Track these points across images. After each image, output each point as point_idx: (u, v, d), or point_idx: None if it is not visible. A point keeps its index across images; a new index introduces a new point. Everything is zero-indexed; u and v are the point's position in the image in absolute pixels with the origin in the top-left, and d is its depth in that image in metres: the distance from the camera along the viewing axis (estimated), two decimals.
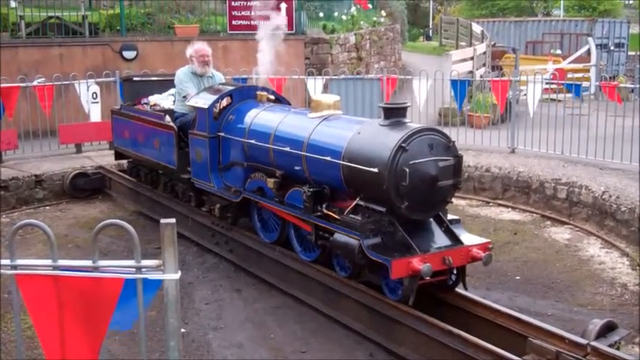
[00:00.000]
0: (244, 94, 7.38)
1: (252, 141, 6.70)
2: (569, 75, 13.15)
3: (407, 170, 5.13)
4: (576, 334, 4.83)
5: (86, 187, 9.97)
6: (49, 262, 2.43)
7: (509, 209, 9.36)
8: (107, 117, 11.21)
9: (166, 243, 2.28)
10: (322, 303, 5.97)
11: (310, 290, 6.13)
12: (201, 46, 8.03)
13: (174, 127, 7.71)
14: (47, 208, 9.56)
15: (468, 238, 5.55)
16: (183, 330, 5.46)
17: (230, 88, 7.53)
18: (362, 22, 18.10)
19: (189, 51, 8.00)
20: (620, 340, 4.74)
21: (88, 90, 10.98)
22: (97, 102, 11.12)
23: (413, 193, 5.23)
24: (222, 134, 7.11)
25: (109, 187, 9.99)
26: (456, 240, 5.48)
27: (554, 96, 12.17)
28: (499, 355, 4.50)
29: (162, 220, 2.32)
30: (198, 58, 7.91)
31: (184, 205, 8.04)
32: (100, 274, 2.41)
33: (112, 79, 11.39)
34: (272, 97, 7.47)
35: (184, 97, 7.76)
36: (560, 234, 8.32)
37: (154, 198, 8.69)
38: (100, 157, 10.77)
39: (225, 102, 7.30)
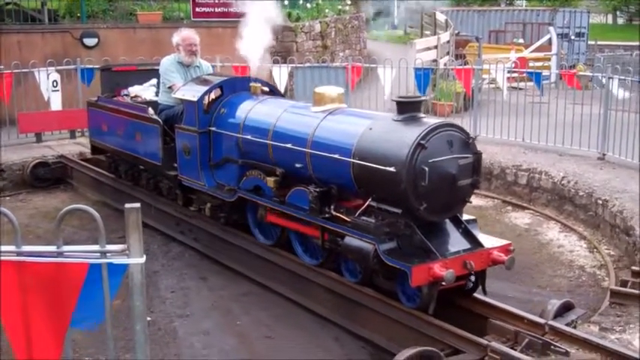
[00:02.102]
0: (236, 86, 6.95)
1: (249, 137, 6.27)
2: (531, 64, 13.36)
3: (426, 169, 4.80)
4: (535, 314, 4.96)
5: (47, 176, 9.83)
6: (12, 247, 2.43)
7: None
8: (68, 105, 11.11)
9: (131, 227, 2.30)
10: (288, 289, 6.02)
11: (276, 277, 6.17)
12: (188, 34, 7.59)
13: (159, 120, 7.31)
14: (7, 198, 9.41)
15: (487, 240, 5.25)
16: (149, 318, 5.42)
17: (220, 79, 7.11)
18: (327, 10, 18.10)
19: (176, 39, 7.58)
20: (577, 319, 4.88)
21: (48, 78, 10.81)
22: (58, 90, 10.96)
23: (432, 193, 4.90)
24: (213, 129, 6.66)
25: (70, 177, 9.88)
26: (475, 242, 5.16)
27: (515, 84, 12.37)
28: (461, 336, 4.60)
29: (127, 205, 2.34)
30: (186, 47, 7.51)
31: (147, 194, 7.97)
32: (65, 260, 2.42)
33: (72, 66, 11.22)
34: (266, 88, 7.07)
35: (169, 87, 7.38)
36: (521, 219, 8.49)
37: (117, 187, 8.62)
38: (61, 146, 10.63)
39: (214, 94, 6.91)
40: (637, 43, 26.08)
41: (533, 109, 10.44)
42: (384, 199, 5.12)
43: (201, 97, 6.70)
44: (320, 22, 16.68)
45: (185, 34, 7.58)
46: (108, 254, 2.35)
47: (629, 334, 4.79)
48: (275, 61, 11.64)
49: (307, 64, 12.23)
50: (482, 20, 26.35)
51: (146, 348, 2.33)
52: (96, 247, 2.37)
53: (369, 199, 5.20)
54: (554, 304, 4.93)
